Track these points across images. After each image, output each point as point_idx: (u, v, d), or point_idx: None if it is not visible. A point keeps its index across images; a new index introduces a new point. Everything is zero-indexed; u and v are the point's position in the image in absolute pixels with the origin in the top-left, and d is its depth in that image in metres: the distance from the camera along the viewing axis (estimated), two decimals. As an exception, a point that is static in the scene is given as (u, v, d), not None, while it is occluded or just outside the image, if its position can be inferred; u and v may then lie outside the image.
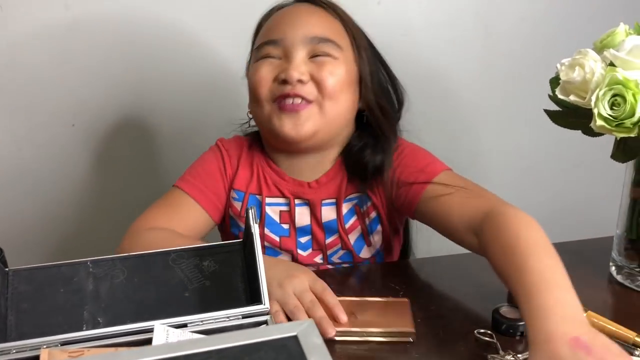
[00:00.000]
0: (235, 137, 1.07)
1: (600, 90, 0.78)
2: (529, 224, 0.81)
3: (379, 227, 1.03)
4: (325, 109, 0.94)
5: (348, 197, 1.01)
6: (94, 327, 0.69)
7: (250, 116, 1.04)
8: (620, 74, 0.76)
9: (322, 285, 0.81)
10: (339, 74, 0.95)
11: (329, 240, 1.02)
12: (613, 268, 0.94)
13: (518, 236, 0.78)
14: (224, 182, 1.02)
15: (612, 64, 0.80)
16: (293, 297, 0.79)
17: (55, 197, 1.33)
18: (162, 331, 0.66)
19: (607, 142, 0.87)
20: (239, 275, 0.76)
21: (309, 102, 0.93)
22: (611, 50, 0.80)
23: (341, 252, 1.03)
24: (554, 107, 0.88)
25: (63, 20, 1.22)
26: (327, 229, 1.01)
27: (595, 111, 0.78)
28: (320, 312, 0.78)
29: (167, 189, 1.01)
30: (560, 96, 0.84)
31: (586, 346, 0.62)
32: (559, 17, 1.49)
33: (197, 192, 0.98)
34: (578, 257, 1.00)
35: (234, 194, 1.02)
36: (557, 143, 1.51)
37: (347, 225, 1.01)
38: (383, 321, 0.78)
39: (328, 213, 1.01)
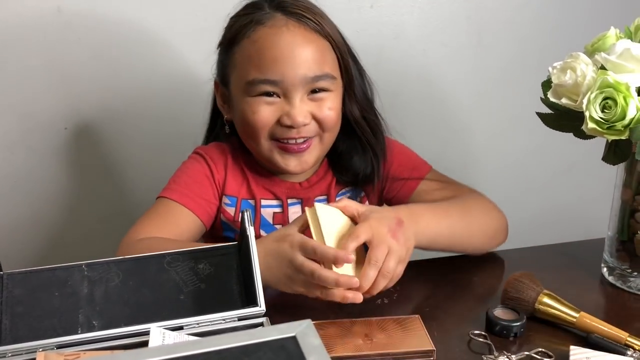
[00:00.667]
0: (214, 145, 1.06)
1: (591, 94, 0.78)
2: (483, 201, 1.01)
3: None
4: (324, 139, 0.98)
5: (341, 192, 1.05)
6: (89, 331, 0.69)
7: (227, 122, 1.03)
8: (611, 77, 0.77)
9: (312, 248, 0.79)
10: (336, 106, 0.97)
11: None
12: (605, 269, 0.95)
13: (464, 198, 0.99)
14: (213, 189, 1.01)
15: (603, 68, 0.81)
16: (306, 285, 0.79)
17: (48, 201, 1.33)
18: (159, 334, 0.66)
19: (598, 145, 0.88)
20: (234, 278, 0.76)
21: (310, 137, 0.96)
22: (602, 53, 0.80)
23: None
24: (546, 110, 0.89)
25: (55, 23, 1.22)
26: None
27: (587, 114, 0.79)
28: (332, 275, 0.77)
29: (159, 192, 1.01)
30: (552, 99, 0.85)
31: (396, 230, 0.82)
32: (550, 21, 1.50)
33: (186, 199, 0.97)
34: (570, 259, 1.01)
35: (226, 200, 1.02)
36: (548, 146, 1.52)
37: None
38: (400, 342, 0.75)
39: None
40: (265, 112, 0.93)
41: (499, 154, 1.60)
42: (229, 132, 1.04)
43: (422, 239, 0.88)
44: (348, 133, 1.02)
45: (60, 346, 0.67)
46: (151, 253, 0.77)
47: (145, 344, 0.66)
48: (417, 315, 0.80)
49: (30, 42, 1.22)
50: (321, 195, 1.04)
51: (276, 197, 1.03)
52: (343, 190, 1.06)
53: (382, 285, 0.80)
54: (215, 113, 1.08)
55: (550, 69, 0.86)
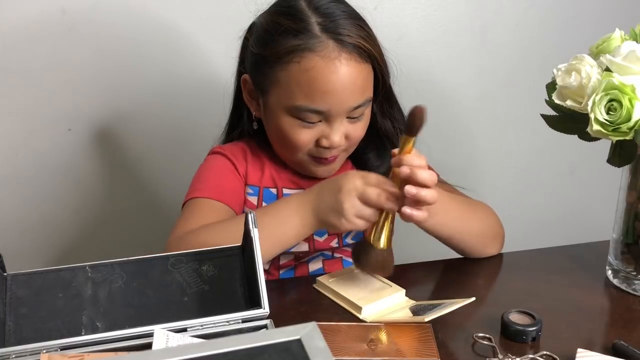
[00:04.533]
0: (231, 144, 1.07)
1: (596, 95, 0.78)
2: (488, 208, 1.02)
3: None
4: (350, 150, 1.01)
5: None
6: (92, 332, 0.69)
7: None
8: (616, 79, 0.77)
9: (374, 191, 0.82)
10: (367, 122, 0.99)
11: None
12: (609, 272, 0.94)
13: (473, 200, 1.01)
14: (239, 181, 1.02)
15: (608, 69, 0.81)
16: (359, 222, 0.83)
17: (52, 202, 1.33)
18: (162, 336, 0.66)
19: (601, 147, 0.88)
20: (238, 280, 0.76)
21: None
22: (607, 55, 0.80)
23: (353, 232, 1.06)
24: (549, 112, 0.89)
25: (60, 25, 1.22)
26: None
27: (592, 116, 0.78)
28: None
29: (164, 193, 1.00)
30: (557, 101, 0.85)
31: None
32: (554, 23, 1.50)
33: (217, 194, 0.97)
34: (574, 261, 1.01)
35: (248, 190, 1.02)
36: (552, 148, 1.52)
37: None
38: (406, 349, 0.74)
39: None
40: (305, 135, 0.94)
41: (503, 156, 1.59)
42: (256, 129, 1.04)
43: (436, 218, 0.90)
44: (368, 131, 1.03)
45: (64, 348, 0.67)
46: (154, 255, 0.76)
47: (149, 346, 0.66)
48: (429, 325, 0.79)
49: (34, 43, 1.22)
50: None
51: (299, 187, 1.03)
52: None
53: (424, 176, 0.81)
54: (238, 108, 1.07)
55: (554, 70, 0.86)
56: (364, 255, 0.85)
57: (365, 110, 0.96)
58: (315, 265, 1.06)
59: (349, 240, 1.06)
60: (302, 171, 1.02)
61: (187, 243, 0.83)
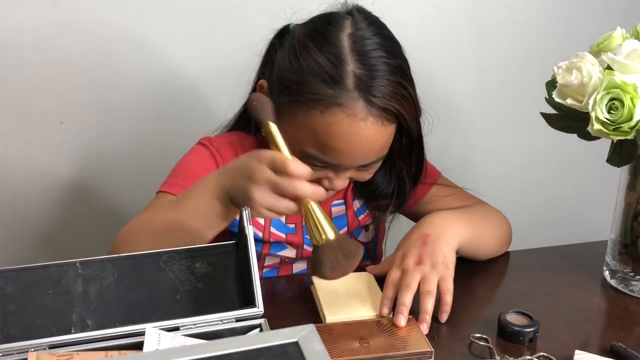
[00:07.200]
0: (222, 136, 1.03)
1: (597, 94, 0.77)
2: (495, 211, 1.03)
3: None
4: None
5: (358, 196, 1.05)
6: (82, 330, 0.68)
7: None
8: (618, 77, 0.76)
9: (287, 182, 0.72)
10: (377, 168, 0.95)
11: None
12: (607, 272, 0.94)
13: (480, 207, 1.03)
14: None
15: (609, 68, 0.80)
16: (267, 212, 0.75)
17: (42, 196, 1.31)
18: (154, 335, 0.65)
19: (599, 146, 0.87)
20: (231, 278, 0.75)
21: None
22: (609, 54, 0.79)
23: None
24: (547, 109, 0.88)
25: (51, 16, 1.20)
26: (335, 224, 1.00)
27: (593, 115, 0.77)
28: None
29: (156, 187, 0.99)
30: (557, 99, 0.83)
31: (422, 254, 0.85)
32: (552, 19, 1.49)
33: None
34: (571, 261, 1.00)
35: None
36: (548, 146, 1.51)
37: (360, 218, 1.04)
38: (398, 344, 0.74)
39: (337, 211, 1.03)
40: None
41: (499, 154, 1.58)
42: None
43: (453, 246, 0.90)
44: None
45: (53, 346, 0.65)
46: (147, 252, 0.75)
47: (140, 345, 0.65)
48: (411, 317, 0.79)
49: (25, 34, 1.20)
50: (338, 199, 1.02)
51: None
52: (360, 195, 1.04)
53: (428, 303, 0.81)
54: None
55: (555, 68, 0.84)
56: (313, 259, 0.76)
57: (376, 164, 0.93)
58: (299, 266, 1.04)
59: None
60: None
61: (123, 235, 0.84)
